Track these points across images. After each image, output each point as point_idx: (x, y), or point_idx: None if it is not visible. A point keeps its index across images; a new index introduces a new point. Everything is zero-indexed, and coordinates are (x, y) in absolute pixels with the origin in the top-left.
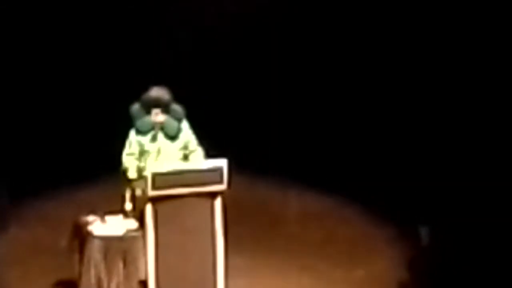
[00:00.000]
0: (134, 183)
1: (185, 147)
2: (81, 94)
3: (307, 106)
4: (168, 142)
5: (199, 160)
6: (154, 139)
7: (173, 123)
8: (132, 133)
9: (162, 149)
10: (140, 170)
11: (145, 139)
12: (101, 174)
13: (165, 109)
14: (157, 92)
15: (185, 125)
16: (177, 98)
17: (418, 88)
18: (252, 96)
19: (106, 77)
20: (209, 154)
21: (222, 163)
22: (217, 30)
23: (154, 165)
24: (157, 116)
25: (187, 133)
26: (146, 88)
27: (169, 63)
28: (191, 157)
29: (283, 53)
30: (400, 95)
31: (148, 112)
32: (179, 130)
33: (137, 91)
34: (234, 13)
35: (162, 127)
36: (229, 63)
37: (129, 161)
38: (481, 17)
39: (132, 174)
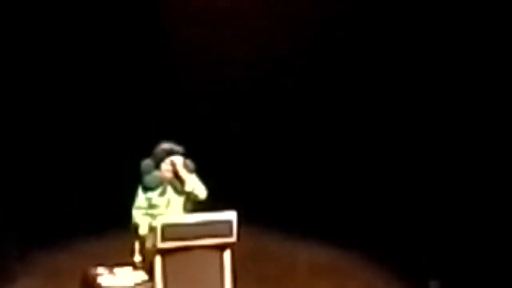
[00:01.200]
0: (144, 236)
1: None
2: (91, 146)
3: (316, 159)
4: (176, 196)
5: (199, 197)
6: (163, 193)
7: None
8: (140, 190)
9: (171, 202)
10: (150, 226)
11: (154, 194)
12: (110, 226)
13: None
14: (169, 144)
15: (194, 178)
16: (186, 151)
17: (420, 135)
18: (262, 148)
19: (117, 132)
20: (218, 207)
21: (231, 215)
22: (225, 82)
23: (164, 217)
24: (167, 172)
25: (194, 182)
26: (156, 143)
27: (178, 117)
28: (196, 191)
29: (291, 103)
30: (404, 146)
31: (158, 167)
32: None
33: (147, 146)
34: (241, 63)
35: (171, 182)
36: (237, 114)
37: (139, 217)
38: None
39: (143, 230)
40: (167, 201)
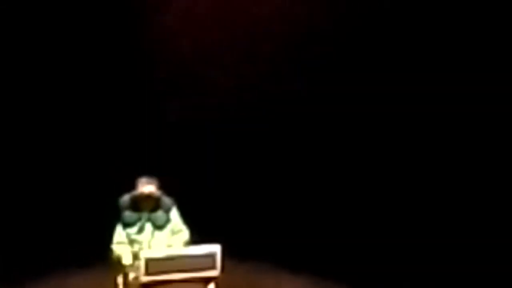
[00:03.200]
0: (127, 268)
1: (172, 231)
2: (70, 181)
3: (298, 193)
4: (156, 232)
5: (183, 241)
6: (141, 230)
7: (161, 215)
8: (119, 226)
9: (152, 238)
10: (134, 255)
11: (132, 230)
12: (93, 259)
13: (156, 204)
14: (148, 188)
15: (174, 212)
16: (166, 186)
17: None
18: (244, 181)
19: (96, 165)
20: (202, 240)
21: (215, 248)
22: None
23: (148, 250)
24: (145, 208)
25: (174, 218)
26: (136, 175)
27: (157, 151)
28: (176, 237)
29: (278, 135)
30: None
31: (136, 208)
32: (167, 221)
33: (128, 176)
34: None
35: (149, 218)
36: (216, 148)
37: (121, 249)
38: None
39: (127, 260)
40: (147, 237)
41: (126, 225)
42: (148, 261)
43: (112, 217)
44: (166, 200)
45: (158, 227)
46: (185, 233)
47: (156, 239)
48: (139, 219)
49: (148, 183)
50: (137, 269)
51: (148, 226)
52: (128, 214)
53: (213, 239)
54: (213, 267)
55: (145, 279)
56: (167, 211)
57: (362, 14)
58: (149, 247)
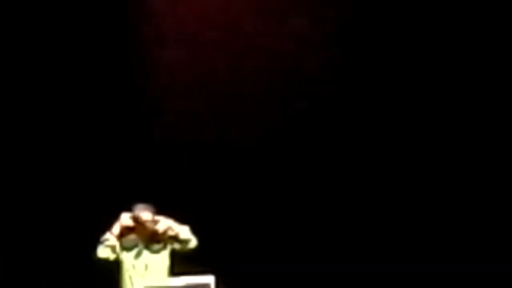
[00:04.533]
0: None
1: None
2: (64, 206)
3: (292, 222)
4: (153, 256)
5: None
6: (138, 255)
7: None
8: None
9: (149, 265)
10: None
11: (130, 255)
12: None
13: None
14: (144, 215)
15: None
16: (162, 212)
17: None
18: (239, 211)
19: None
20: (196, 272)
21: (209, 279)
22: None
23: (142, 281)
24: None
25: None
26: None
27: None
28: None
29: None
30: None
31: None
32: (163, 247)
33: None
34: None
35: (147, 245)
36: (211, 181)
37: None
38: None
39: (101, 253)
40: (144, 265)
41: (124, 249)
42: None
43: None
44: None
45: (155, 251)
46: (193, 241)
47: (154, 263)
48: (137, 244)
49: (145, 209)
50: None
51: (146, 253)
52: (126, 239)
53: (206, 269)
54: None
55: None
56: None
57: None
58: (147, 272)
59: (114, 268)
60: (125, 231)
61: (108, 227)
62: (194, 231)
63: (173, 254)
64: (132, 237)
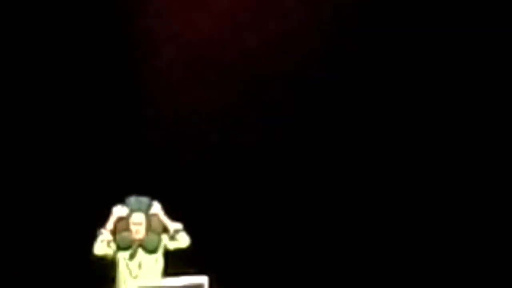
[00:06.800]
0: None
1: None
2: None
3: (284, 224)
4: (147, 256)
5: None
6: (133, 256)
7: (153, 239)
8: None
9: (143, 264)
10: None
11: (125, 254)
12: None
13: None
14: (138, 217)
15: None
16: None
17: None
18: (233, 211)
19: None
20: (189, 272)
21: (202, 280)
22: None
23: (136, 281)
24: (137, 233)
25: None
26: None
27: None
28: (178, 236)
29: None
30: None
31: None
32: (159, 244)
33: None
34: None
35: (141, 244)
36: (204, 179)
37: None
38: None
39: (98, 250)
40: (138, 264)
41: (119, 248)
42: None
43: None
44: (156, 221)
45: (150, 251)
46: (185, 239)
47: (148, 263)
48: (131, 244)
49: (138, 206)
50: None
51: (141, 252)
52: (120, 237)
53: (200, 270)
54: None
55: None
56: (159, 234)
57: None
58: (141, 272)
59: (108, 268)
60: (119, 224)
61: (101, 223)
62: (188, 231)
63: (167, 255)
64: (127, 234)
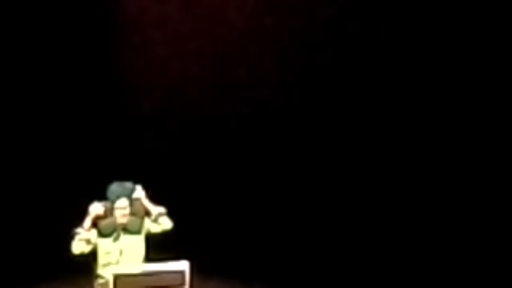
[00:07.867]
0: (96, 285)
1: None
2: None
3: (266, 207)
4: (131, 237)
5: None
6: (116, 239)
7: (136, 222)
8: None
9: (125, 249)
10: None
11: (106, 241)
12: (64, 272)
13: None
14: (122, 202)
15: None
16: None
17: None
18: (216, 196)
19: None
20: (171, 258)
21: (184, 265)
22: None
23: (117, 267)
24: (122, 218)
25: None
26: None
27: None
28: (161, 220)
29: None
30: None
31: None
32: (141, 225)
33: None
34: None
35: (125, 228)
36: (183, 165)
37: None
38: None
39: (76, 248)
40: (120, 249)
41: (102, 235)
42: (117, 278)
43: None
44: (137, 204)
45: (134, 232)
46: (167, 222)
47: (131, 246)
48: (115, 229)
49: (121, 191)
50: (106, 285)
51: (124, 237)
52: (104, 224)
53: (181, 255)
54: (182, 283)
55: None
56: (142, 217)
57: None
58: (122, 257)
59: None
60: (99, 221)
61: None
62: (170, 215)
63: (148, 240)
64: (109, 220)
